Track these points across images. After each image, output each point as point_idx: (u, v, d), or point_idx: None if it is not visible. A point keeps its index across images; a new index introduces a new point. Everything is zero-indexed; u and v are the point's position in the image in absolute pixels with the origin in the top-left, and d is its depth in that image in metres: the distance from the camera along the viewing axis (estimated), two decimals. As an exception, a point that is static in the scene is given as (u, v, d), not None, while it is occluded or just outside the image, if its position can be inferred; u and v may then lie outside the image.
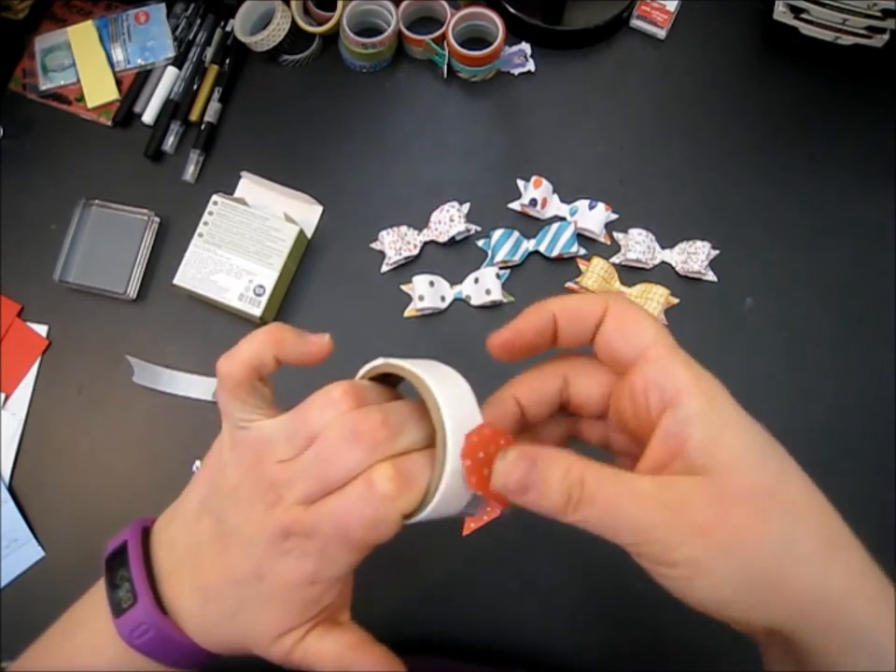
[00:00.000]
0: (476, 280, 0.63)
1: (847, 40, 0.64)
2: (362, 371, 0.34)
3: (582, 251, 0.64)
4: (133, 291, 0.64)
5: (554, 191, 0.66)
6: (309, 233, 0.66)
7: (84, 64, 0.69)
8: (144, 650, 0.32)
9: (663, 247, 0.65)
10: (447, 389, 0.30)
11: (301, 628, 0.31)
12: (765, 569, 0.25)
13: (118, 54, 0.69)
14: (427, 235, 0.65)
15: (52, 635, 0.36)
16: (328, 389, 0.31)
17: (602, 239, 0.65)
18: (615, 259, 0.64)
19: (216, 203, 0.63)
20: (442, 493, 0.28)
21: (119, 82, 0.69)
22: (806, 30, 0.65)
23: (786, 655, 0.27)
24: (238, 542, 0.31)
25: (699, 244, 0.64)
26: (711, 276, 0.64)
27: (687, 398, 0.26)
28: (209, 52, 0.70)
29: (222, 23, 0.70)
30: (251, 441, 0.31)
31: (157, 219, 0.66)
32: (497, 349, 0.31)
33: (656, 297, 0.62)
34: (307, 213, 0.66)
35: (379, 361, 0.32)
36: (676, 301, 0.63)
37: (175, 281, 0.62)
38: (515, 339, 0.30)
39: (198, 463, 0.61)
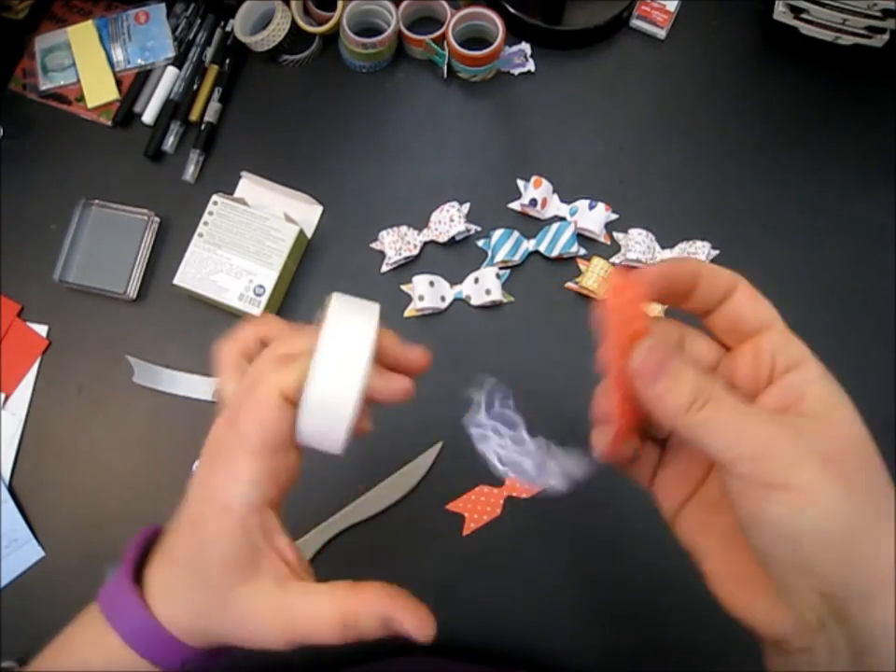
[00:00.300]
0: (476, 280, 0.63)
1: (847, 40, 0.64)
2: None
3: (582, 251, 0.65)
4: (133, 291, 0.64)
5: (554, 191, 0.66)
6: (309, 233, 0.66)
7: (84, 64, 0.69)
8: (122, 632, 0.32)
9: (663, 247, 0.65)
10: (351, 301, 0.32)
11: (268, 573, 0.31)
12: (868, 521, 0.25)
13: (118, 54, 0.69)
14: (427, 235, 0.65)
15: (53, 642, 0.36)
16: None
17: (602, 239, 0.65)
18: (615, 259, 0.64)
19: (216, 202, 0.63)
20: (317, 366, 0.29)
21: (119, 82, 0.69)
22: (806, 30, 0.65)
23: (832, 653, 0.26)
24: (186, 497, 0.33)
25: (699, 244, 0.64)
26: (711, 276, 0.64)
27: (810, 363, 0.29)
28: (209, 52, 0.70)
29: (222, 23, 0.70)
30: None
31: (157, 219, 0.66)
32: (651, 277, 0.30)
33: (656, 297, 0.62)
34: (307, 213, 0.66)
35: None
36: (676, 300, 0.63)
37: (175, 281, 0.62)
38: (670, 273, 0.30)
39: (198, 463, 0.61)
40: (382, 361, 0.33)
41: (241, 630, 0.32)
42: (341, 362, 0.30)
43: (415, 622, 0.31)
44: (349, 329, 0.30)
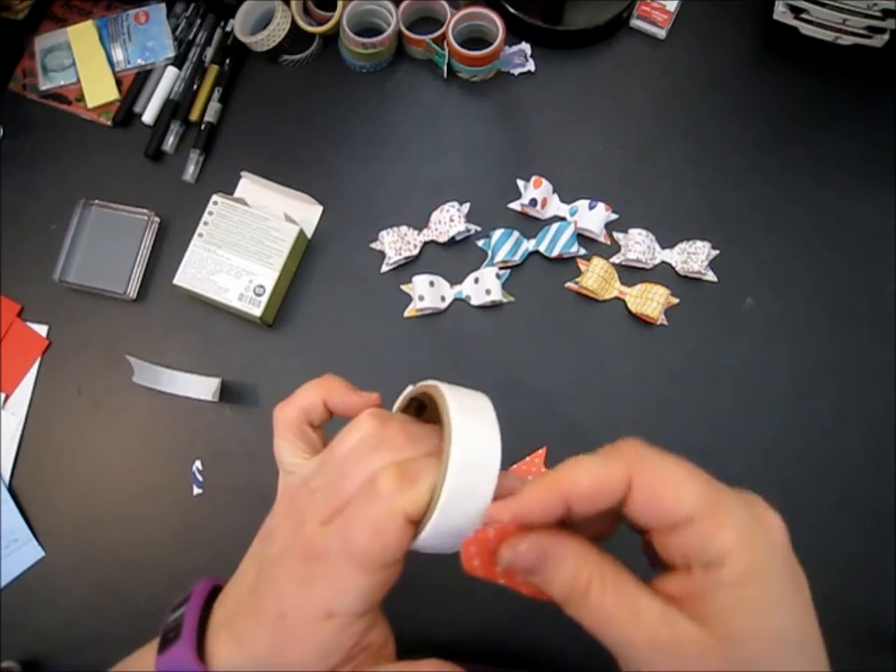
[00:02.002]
0: (476, 280, 0.63)
1: (847, 40, 0.64)
2: (401, 398, 0.35)
3: (582, 251, 0.65)
4: (132, 291, 0.64)
5: (554, 191, 0.66)
6: (309, 233, 0.66)
7: (84, 64, 0.69)
8: None
9: (663, 247, 0.65)
10: (466, 401, 0.29)
11: None
12: None
13: (118, 54, 0.69)
14: (427, 235, 0.65)
15: None
16: (357, 418, 0.32)
17: (602, 239, 0.65)
18: (615, 259, 0.64)
19: (216, 202, 0.63)
20: (447, 494, 0.27)
21: (119, 82, 0.69)
22: (806, 30, 0.65)
23: None
24: (267, 582, 0.30)
25: (699, 244, 0.64)
26: (711, 276, 0.64)
27: (729, 565, 0.24)
28: (209, 52, 0.70)
29: (222, 23, 0.70)
30: (293, 484, 0.32)
31: (157, 219, 0.66)
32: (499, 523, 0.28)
33: (656, 297, 0.62)
34: (307, 213, 0.66)
35: (420, 385, 0.32)
36: (676, 301, 0.63)
37: (175, 281, 0.62)
38: (520, 517, 0.27)
39: (198, 463, 0.61)
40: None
41: None
42: (468, 485, 0.27)
43: None
44: (475, 442, 0.27)
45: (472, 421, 0.28)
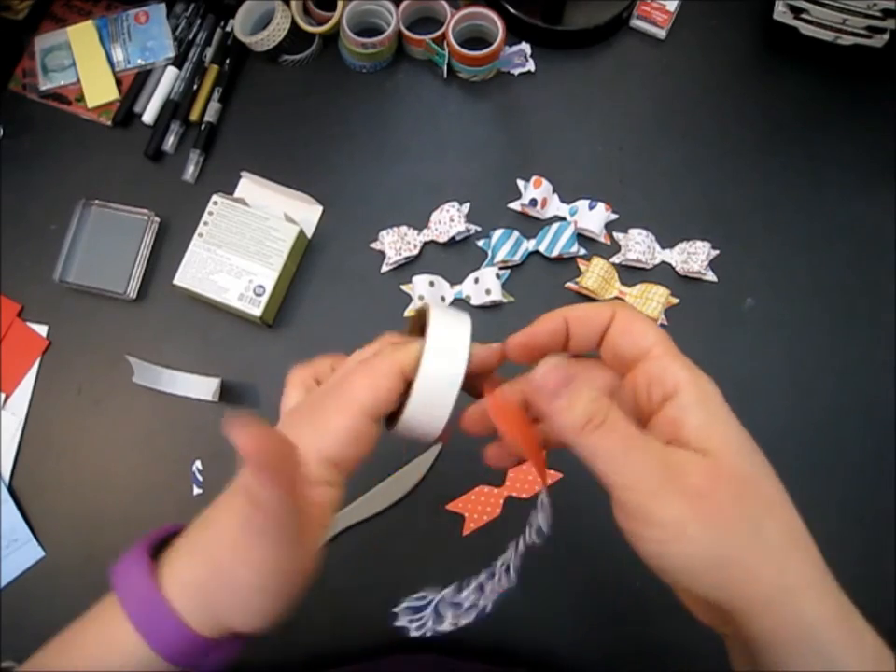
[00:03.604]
0: (476, 280, 0.63)
1: (847, 40, 0.64)
2: (408, 321, 0.39)
3: (582, 251, 0.65)
4: (132, 291, 0.64)
5: (554, 191, 0.66)
6: (309, 233, 0.66)
7: (84, 64, 0.69)
8: (133, 615, 0.31)
9: (663, 247, 0.65)
10: (447, 308, 0.35)
11: None
12: (737, 549, 0.26)
13: (118, 54, 0.69)
14: (427, 235, 0.65)
15: (63, 636, 0.35)
16: None
17: (602, 239, 0.65)
18: (615, 259, 0.64)
19: (216, 202, 0.63)
20: (432, 346, 0.32)
21: (119, 82, 0.69)
22: (806, 30, 0.65)
23: (742, 653, 0.29)
24: None
25: (699, 244, 0.64)
26: (711, 276, 0.64)
27: (685, 390, 0.29)
28: (209, 52, 0.70)
29: (222, 23, 0.70)
30: None
31: (157, 219, 0.66)
32: (513, 351, 0.33)
33: (656, 297, 0.62)
34: (307, 213, 0.66)
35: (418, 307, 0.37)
36: (676, 300, 0.63)
37: (175, 281, 0.62)
38: (530, 342, 0.33)
39: (198, 463, 0.61)
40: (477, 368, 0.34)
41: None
42: (448, 349, 0.33)
43: None
44: (452, 326, 0.33)
45: (448, 314, 0.34)
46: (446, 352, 0.33)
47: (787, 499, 0.29)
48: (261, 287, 0.61)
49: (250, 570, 0.30)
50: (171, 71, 0.69)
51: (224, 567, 0.31)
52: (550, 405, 0.28)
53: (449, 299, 0.64)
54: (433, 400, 0.33)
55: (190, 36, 0.70)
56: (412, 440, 0.34)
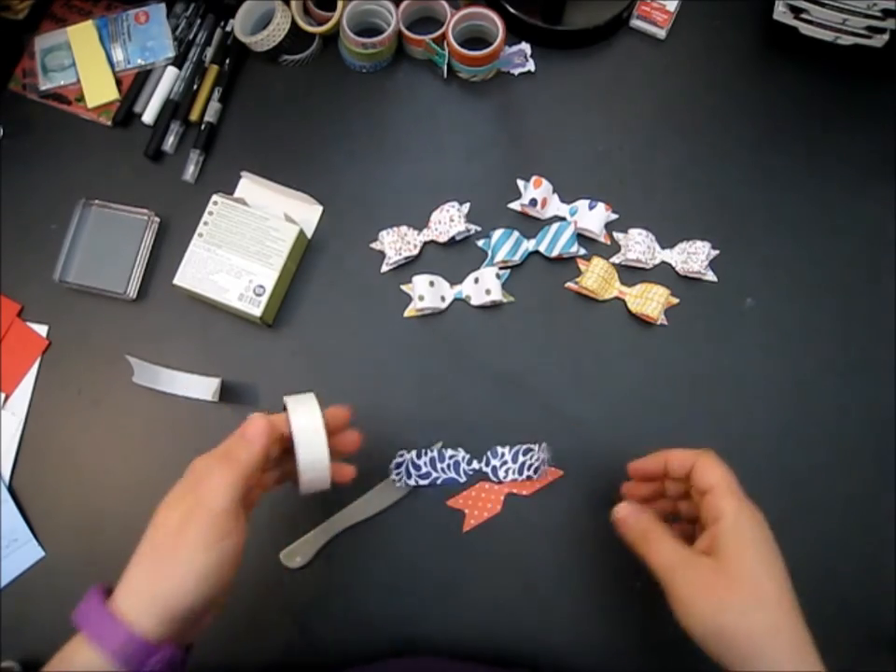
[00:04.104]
0: (476, 280, 0.63)
1: (847, 40, 0.64)
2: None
3: (582, 251, 0.65)
4: (132, 291, 0.64)
5: (554, 191, 0.66)
6: (309, 233, 0.66)
7: (84, 64, 0.69)
8: (85, 628, 0.38)
9: (663, 247, 0.65)
10: (299, 397, 0.48)
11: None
12: (726, 627, 0.41)
13: (118, 54, 0.69)
14: (427, 235, 0.65)
15: None
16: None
17: (602, 239, 0.65)
18: (615, 259, 0.64)
19: (216, 202, 0.63)
20: (299, 445, 0.45)
21: (119, 82, 0.69)
22: (806, 30, 0.65)
23: None
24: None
25: (699, 244, 0.64)
26: (711, 276, 0.64)
27: (724, 519, 0.43)
28: (209, 52, 0.70)
29: (222, 23, 0.70)
30: None
31: (157, 219, 0.66)
32: (633, 470, 0.52)
33: (656, 297, 0.62)
34: (307, 213, 0.66)
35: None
36: (676, 301, 0.63)
37: (175, 281, 0.62)
38: (641, 467, 0.51)
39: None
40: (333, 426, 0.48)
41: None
42: (310, 438, 0.45)
43: None
44: (304, 417, 0.46)
45: (301, 403, 0.47)
46: (305, 414, 0.46)
47: (783, 595, 0.41)
48: (261, 286, 0.61)
49: (188, 548, 0.39)
50: (171, 71, 0.69)
51: (166, 552, 0.40)
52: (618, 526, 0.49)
53: (449, 299, 0.64)
54: (312, 448, 0.45)
55: (190, 36, 0.70)
56: (315, 486, 0.47)
